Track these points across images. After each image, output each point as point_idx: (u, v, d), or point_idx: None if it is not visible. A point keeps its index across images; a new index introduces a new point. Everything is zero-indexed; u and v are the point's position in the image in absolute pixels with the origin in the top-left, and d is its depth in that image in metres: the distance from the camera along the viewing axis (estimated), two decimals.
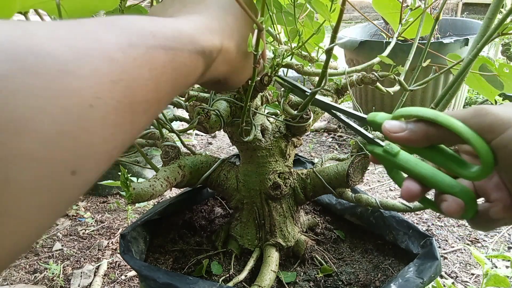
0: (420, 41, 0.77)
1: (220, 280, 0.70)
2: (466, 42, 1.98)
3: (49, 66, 0.20)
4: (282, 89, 0.65)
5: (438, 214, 1.66)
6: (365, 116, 0.40)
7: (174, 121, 0.73)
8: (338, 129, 2.43)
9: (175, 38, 0.29)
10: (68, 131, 0.20)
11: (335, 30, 0.46)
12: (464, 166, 0.34)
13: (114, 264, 1.38)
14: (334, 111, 0.47)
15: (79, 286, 1.27)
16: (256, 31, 0.39)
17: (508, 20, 0.53)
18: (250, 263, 0.73)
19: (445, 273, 1.31)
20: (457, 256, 1.39)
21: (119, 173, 0.53)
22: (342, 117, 0.47)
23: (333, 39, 0.48)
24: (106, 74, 0.23)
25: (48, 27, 0.22)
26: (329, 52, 0.50)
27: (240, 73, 0.43)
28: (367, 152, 0.68)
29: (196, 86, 0.76)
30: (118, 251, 1.42)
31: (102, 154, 0.23)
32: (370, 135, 0.40)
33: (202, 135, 2.42)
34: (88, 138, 0.22)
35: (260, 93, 0.67)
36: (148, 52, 0.27)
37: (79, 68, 0.22)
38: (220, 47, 0.34)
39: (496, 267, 1.33)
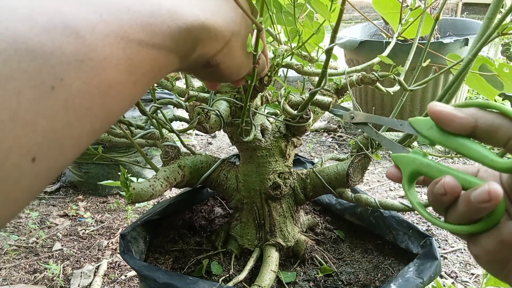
0: (420, 41, 0.77)
1: (220, 280, 0.70)
2: (466, 42, 1.98)
3: (3, 44, 0.19)
4: (282, 88, 0.65)
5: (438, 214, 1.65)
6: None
7: (174, 121, 0.73)
8: (338, 129, 2.43)
9: (153, 13, 0.26)
10: (22, 116, 0.19)
11: (335, 30, 0.46)
12: (499, 159, 0.32)
13: (114, 264, 1.38)
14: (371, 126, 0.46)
15: (79, 286, 1.27)
16: (255, 31, 0.39)
17: (508, 20, 0.53)
18: (250, 263, 0.73)
19: (445, 273, 1.31)
20: (457, 256, 1.39)
21: (119, 173, 0.53)
22: (375, 134, 0.45)
23: (333, 39, 0.48)
24: (71, 52, 0.21)
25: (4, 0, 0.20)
26: (329, 52, 0.50)
27: (234, 58, 0.37)
28: (367, 152, 0.68)
29: (196, 86, 0.77)
30: (118, 251, 1.42)
31: (66, 140, 0.21)
32: (399, 144, 0.40)
33: (202, 135, 2.42)
34: (48, 123, 0.20)
35: (260, 93, 0.67)
36: (122, 29, 0.24)
37: (39, 46, 0.20)
38: (204, 22, 0.31)
39: None
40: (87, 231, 1.55)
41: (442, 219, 0.36)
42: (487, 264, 0.34)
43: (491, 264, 0.33)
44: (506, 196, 0.34)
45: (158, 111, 0.67)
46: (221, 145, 2.32)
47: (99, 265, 1.36)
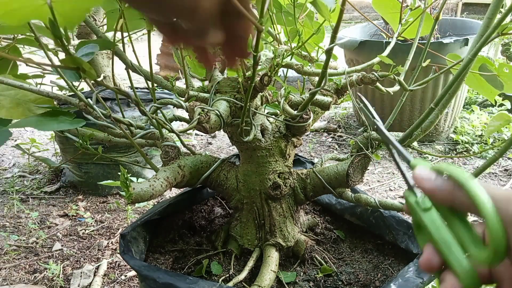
0: (420, 41, 0.77)
1: (220, 280, 0.70)
2: (466, 42, 1.97)
3: None
4: (282, 88, 0.65)
5: None
6: (411, 159, 0.38)
7: (174, 121, 0.73)
8: (338, 129, 2.43)
9: None
10: None
11: (335, 30, 0.46)
12: (478, 246, 0.32)
13: (114, 264, 1.38)
14: (391, 147, 0.42)
15: (78, 286, 1.27)
16: (256, 32, 0.39)
17: (508, 20, 0.53)
18: (250, 263, 0.73)
19: None
20: None
21: (119, 173, 0.53)
22: (396, 157, 0.41)
23: (333, 39, 0.48)
24: None
25: None
26: (329, 52, 0.50)
27: None
28: (367, 152, 0.68)
29: (196, 86, 0.77)
30: (118, 251, 1.41)
31: None
32: (411, 182, 0.38)
33: (202, 135, 2.42)
34: None
35: (260, 93, 0.67)
36: None
37: None
38: None
39: None
40: (87, 231, 1.55)
41: None
42: None
43: None
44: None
45: (158, 111, 0.67)
46: (221, 145, 2.32)
47: (99, 265, 1.36)
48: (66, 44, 0.46)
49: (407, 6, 0.78)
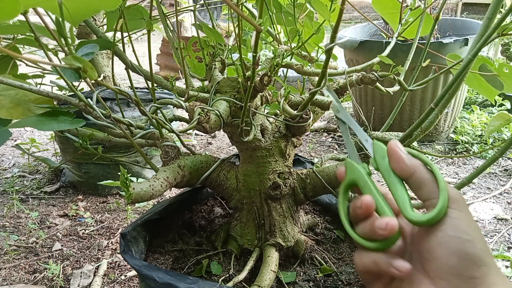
0: (420, 41, 0.77)
1: (220, 280, 0.71)
2: (465, 42, 1.98)
3: None
4: (282, 88, 0.65)
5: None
6: (369, 138, 0.48)
7: (174, 121, 0.73)
8: (338, 129, 2.43)
9: None
10: None
11: (335, 30, 0.46)
12: (411, 212, 0.39)
13: (114, 264, 1.38)
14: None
15: (78, 286, 1.27)
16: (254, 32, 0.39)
17: (508, 20, 0.54)
18: (250, 263, 0.73)
19: None
20: None
21: (119, 173, 0.53)
22: (356, 132, 0.51)
23: (332, 39, 0.48)
24: None
25: None
26: (328, 52, 0.50)
27: None
28: (367, 152, 0.68)
29: (196, 86, 0.77)
30: (118, 251, 1.42)
31: None
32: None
33: (202, 135, 2.42)
34: None
35: (260, 93, 0.67)
36: None
37: None
38: None
39: None
40: (87, 231, 1.55)
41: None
42: (360, 274, 0.44)
43: (363, 275, 0.44)
44: (409, 238, 0.42)
45: (158, 111, 0.67)
46: (221, 145, 2.32)
47: (99, 265, 1.36)
48: (71, 43, 0.46)
49: (407, 6, 0.78)
